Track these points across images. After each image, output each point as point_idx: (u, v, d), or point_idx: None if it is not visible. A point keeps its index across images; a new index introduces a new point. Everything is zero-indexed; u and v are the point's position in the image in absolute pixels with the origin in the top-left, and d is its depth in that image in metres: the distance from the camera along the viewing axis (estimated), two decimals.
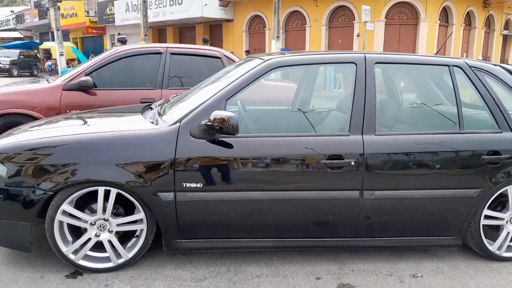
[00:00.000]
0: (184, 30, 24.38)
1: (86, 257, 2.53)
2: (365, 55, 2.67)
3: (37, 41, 33.72)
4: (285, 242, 2.64)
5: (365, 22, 14.48)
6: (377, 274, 2.63)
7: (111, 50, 5.16)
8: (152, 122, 2.65)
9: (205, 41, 9.81)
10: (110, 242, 2.53)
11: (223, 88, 2.57)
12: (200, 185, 2.45)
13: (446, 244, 2.74)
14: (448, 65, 2.75)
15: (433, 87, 3.27)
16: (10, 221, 2.43)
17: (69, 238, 2.52)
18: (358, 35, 17.48)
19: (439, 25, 17.48)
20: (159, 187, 2.43)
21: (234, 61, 5.47)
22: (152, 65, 5.18)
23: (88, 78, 4.75)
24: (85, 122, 2.86)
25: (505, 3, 20.41)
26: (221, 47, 22.42)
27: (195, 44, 23.07)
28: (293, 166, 2.49)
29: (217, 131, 2.38)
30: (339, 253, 2.87)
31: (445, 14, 17.85)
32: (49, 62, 25.78)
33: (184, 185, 2.44)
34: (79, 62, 18.09)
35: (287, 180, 2.50)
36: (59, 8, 23.70)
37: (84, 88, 4.81)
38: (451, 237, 2.72)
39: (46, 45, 25.19)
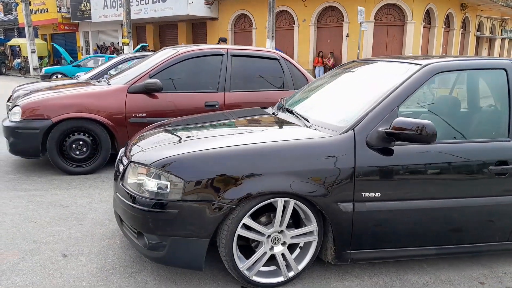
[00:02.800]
0: (165, 28, 23.83)
1: (258, 273, 2.41)
2: None
3: (1, 37, 31.83)
4: (446, 249, 2.63)
5: (360, 22, 14.74)
6: None
7: (173, 51, 4.95)
8: (315, 129, 2.56)
9: (222, 41, 9.60)
10: (283, 255, 2.43)
11: (390, 94, 2.51)
12: (378, 194, 2.39)
13: None
14: None
15: None
16: (185, 238, 2.27)
17: (238, 253, 2.39)
18: (347, 36, 17.78)
19: (423, 27, 18.09)
20: (339, 197, 2.35)
21: (291, 62, 5.41)
22: (214, 67, 5.03)
23: (156, 80, 4.54)
24: (236, 131, 2.73)
25: (479, 6, 21.44)
26: None
27: (179, 43, 22.62)
28: (463, 173, 2.49)
29: (401, 139, 2.32)
30: (479, 257, 2.89)
31: (428, 16, 18.49)
32: (18, 60, 24.45)
33: (363, 195, 2.38)
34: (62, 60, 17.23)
35: (456, 187, 2.50)
36: (30, 3, 22.56)
37: (151, 90, 4.59)
38: None
39: (16, 41, 23.85)
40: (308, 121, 2.71)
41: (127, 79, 4.75)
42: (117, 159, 2.92)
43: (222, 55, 5.04)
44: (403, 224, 2.49)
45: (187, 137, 2.68)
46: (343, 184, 2.34)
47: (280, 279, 2.44)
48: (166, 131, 2.96)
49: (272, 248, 2.41)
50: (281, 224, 2.38)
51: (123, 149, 2.94)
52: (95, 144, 4.55)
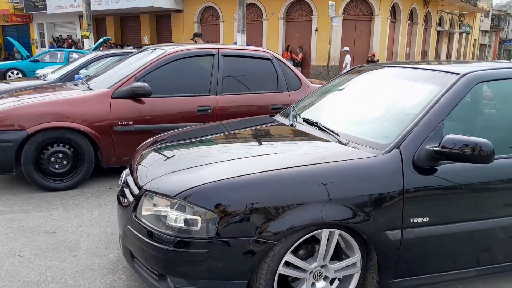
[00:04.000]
0: (127, 20, 22.82)
1: None
2: None
3: None
4: (486, 269, 2.46)
5: (331, 17, 14.66)
6: None
7: (159, 51, 4.53)
8: (353, 147, 2.30)
9: (197, 36, 9.13)
10: None
11: (432, 107, 2.28)
12: (426, 219, 2.18)
13: None
14: None
15: None
16: (219, 281, 1.96)
17: None
18: (316, 30, 17.71)
19: (390, 21, 18.34)
20: (387, 225, 2.11)
21: (283, 62, 5.13)
22: (205, 68, 4.66)
23: (144, 84, 4.13)
24: (262, 150, 2.42)
25: (440, 1, 22.04)
26: (170, 38, 21.42)
27: (144, 35, 21.73)
28: None
29: (451, 158, 2.11)
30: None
31: (393, 11, 18.75)
32: None
33: (411, 221, 2.15)
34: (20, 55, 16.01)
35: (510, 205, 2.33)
36: None
37: (139, 95, 4.17)
38: None
39: None
40: (339, 136, 2.45)
41: (110, 82, 4.30)
42: (121, 182, 2.54)
43: (213, 55, 4.67)
44: (448, 248, 2.29)
45: (203, 156, 2.34)
46: (392, 210, 2.11)
47: None
48: (172, 147, 2.61)
49: (314, 285, 2.14)
50: (324, 258, 2.11)
51: (127, 170, 2.56)
52: (76, 156, 4.08)
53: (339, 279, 2.26)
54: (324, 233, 2.06)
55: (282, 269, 2.02)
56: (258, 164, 2.14)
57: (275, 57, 5.08)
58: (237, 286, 1.97)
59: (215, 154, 2.40)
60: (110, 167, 4.30)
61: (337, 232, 2.09)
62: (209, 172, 2.10)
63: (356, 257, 2.17)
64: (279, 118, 3.20)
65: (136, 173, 2.40)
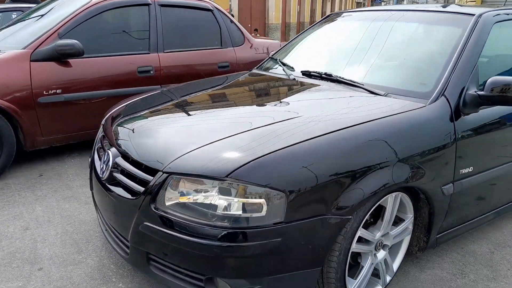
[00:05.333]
0: None
1: None
2: None
3: None
4: (503, 209, 2.48)
5: None
6: None
7: (83, 1, 3.64)
8: (386, 96, 2.04)
9: None
10: (385, 261, 1.94)
11: (463, 50, 2.12)
12: (471, 169, 2.05)
13: None
14: None
15: None
16: (290, 274, 1.58)
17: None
18: None
19: None
20: (442, 179, 1.93)
21: (225, 14, 4.60)
22: (141, 21, 3.92)
23: (74, 41, 3.29)
24: (296, 109, 2.00)
25: None
26: None
27: None
28: None
29: (498, 102, 1.97)
30: None
31: None
32: None
33: (460, 172, 2.01)
34: None
35: None
36: None
37: (67, 56, 3.32)
38: None
39: None
40: (364, 86, 2.17)
41: (24, 41, 3.33)
42: (105, 165, 1.92)
43: (148, 4, 3.93)
44: (482, 194, 2.23)
45: (223, 123, 1.85)
46: (446, 163, 1.93)
47: None
48: (168, 113, 2.06)
49: (375, 256, 1.90)
50: (387, 226, 1.86)
51: (113, 150, 1.94)
52: None
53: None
54: (390, 198, 1.81)
55: (355, 246, 1.72)
56: (307, 128, 1.75)
57: (216, 7, 4.52)
58: (310, 277, 1.62)
59: (237, 121, 1.92)
60: (35, 149, 3.43)
61: (400, 195, 1.85)
62: (255, 143, 1.65)
63: (409, 219, 1.97)
64: (266, 73, 2.80)
65: (136, 151, 1.81)
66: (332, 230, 1.59)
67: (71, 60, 3.39)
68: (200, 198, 1.55)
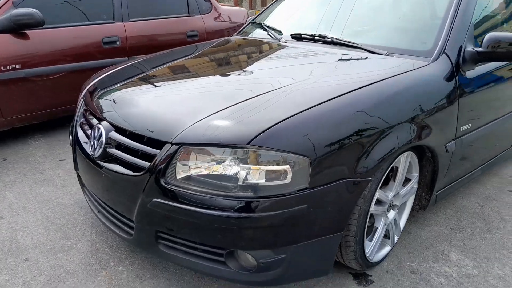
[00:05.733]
0: None
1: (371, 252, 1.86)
2: None
3: None
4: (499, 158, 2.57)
5: None
6: None
7: None
8: (388, 55, 2.00)
9: None
10: (394, 221, 1.94)
11: (458, 7, 2.10)
12: (469, 125, 2.08)
13: None
14: None
15: None
16: (313, 241, 1.52)
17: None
18: None
19: None
20: (446, 137, 1.93)
21: None
22: None
23: (33, 10, 2.97)
24: (301, 73, 1.90)
25: None
26: None
27: None
28: None
29: (495, 58, 1.98)
30: None
31: None
32: None
33: (461, 129, 2.02)
34: None
35: None
36: None
37: (25, 26, 3.00)
38: None
39: None
40: (361, 46, 2.11)
41: None
42: (96, 141, 1.74)
43: None
44: (478, 151, 2.28)
45: (231, 88, 1.72)
46: (450, 120, 1.93)
47: (387, 249, 1.96)
48: (160, 79, 1.90)
49: (387, 217, 1.88)
50: (399, 186, 1.85)
51: (105, 124, 1.76)
52: None
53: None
54: (403, 158, 1.79)
55: (373, 209, 1.69)
56: (320, 91, 1.66)
57: None
58: (333, 242, 1.57)
59: (240, 87, 1.79)
60: None
61: (410, 154, 1.83)
62: (269, 108, 1.54)
63: (415, 179, 1.97)
64: (253, 38, 2.66)
65: (134, 124, 1.65)
66: (353, 193, 1.54)
67: (29, 32, 3.06)
68: (217, 168, 1.43)
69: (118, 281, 1.80)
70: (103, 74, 2.27)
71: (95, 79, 2.22)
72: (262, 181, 1.40)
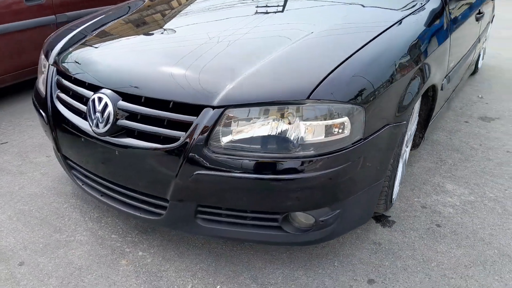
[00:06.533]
0: None
1: None
2: None
3: None
4: None
5: None
6: None
7: None
8: None
9: None
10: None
11: None
12: (453, 62, 2.20)
13: None
14: None
15: None
16: (363, 191, 1.50)
17: None
18: None
19: None
20: (442, 74, 2.03)
21: None
22: None
23: None
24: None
25: None
26: None
27: None
28: None
29: None
30: None
31: None
32: None
33: (449, 66, 2.14)
34: None
35: None
36: None
37: None
38: None
39: None
40: None
41: None
42: (99, 112, 1.47)
43: None
44: (451, 86, 2.43)
45: (266, 39, 1.57)
46: (445, 58, 2.03)
47: (397, 188, 2.04)
48: (177, 25, 1.65)
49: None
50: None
51: (107, 93, 1.48)
52: None
53: None
54: (419, 99, 1.82)
55: (404, 150, 1.72)
56: (355, 35, 1.59)
57: None
58: (376, 189, 1.57)
59: (267, 34, 1.63)
60: None
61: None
62: (312, 56, 1.43)
63: (417, 119, 2.05)
64: None
65: (153, 88, 1.41)
66: (394, 138, 1.55)
67: None
68: (270, 129, 1.31)
69: (145, 267, 1.62)
70: (73, 31, 1.91)
71: (62, 39, 1.86)
72: (322, 137, 1.32)
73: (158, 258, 1.66)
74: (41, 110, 1.78)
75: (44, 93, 1.77)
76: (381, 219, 1.92)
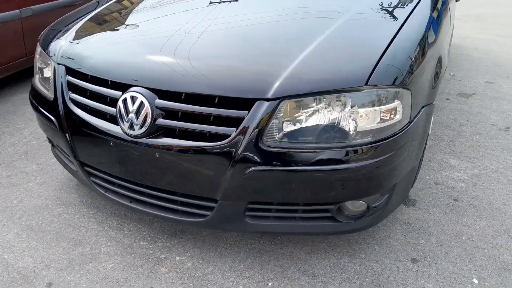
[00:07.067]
0: None
1: None
2: None
3: None
4: None
5: None
6: None
7: None
8: None
9: None
10: None
11: None
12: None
13: None
14: None
15: None
16: (406, 175, 1.52)
17: None
18: None
19: None
20: (445, 49, 2.10)
21: None
22: None
23: None
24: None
25: None
26: None
27: None
28: None
29: None
30: None
31: None
32: None
33: (442, 43, 2.21)
34: None
35: None
36: None
37: None
38: None
39: None
40: None
41: None
42: (133, 113, 1.36)
43: None
44: None
45: (300, 27, 1.53)
46: (444, 33, 2.09)
47: None
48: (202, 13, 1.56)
49: None
50: None
51: (142, 92, 1.37)
52: None
53: None
54: None
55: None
56: (384, 18, 1.59)
57: None
58: (414, 170, 1.61)
59: (298, 23, 1.58)
60: None
61: None
62: (356, 41, 1.42)
63: None
64: None
65: (194, 83, 1.33)
66: (428, 118, 1.59)
67: None
68: (327, 118, 1.28)
69: (188, 272, 1.54)
70: (75, 24, 1.75)
71: (64, 34, 1.69)
72: (377, 123, 1.32)
73: (198, 261, 1.59)
74: (48, 114, 1.62)
75: (53, 96, 1.60)
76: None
